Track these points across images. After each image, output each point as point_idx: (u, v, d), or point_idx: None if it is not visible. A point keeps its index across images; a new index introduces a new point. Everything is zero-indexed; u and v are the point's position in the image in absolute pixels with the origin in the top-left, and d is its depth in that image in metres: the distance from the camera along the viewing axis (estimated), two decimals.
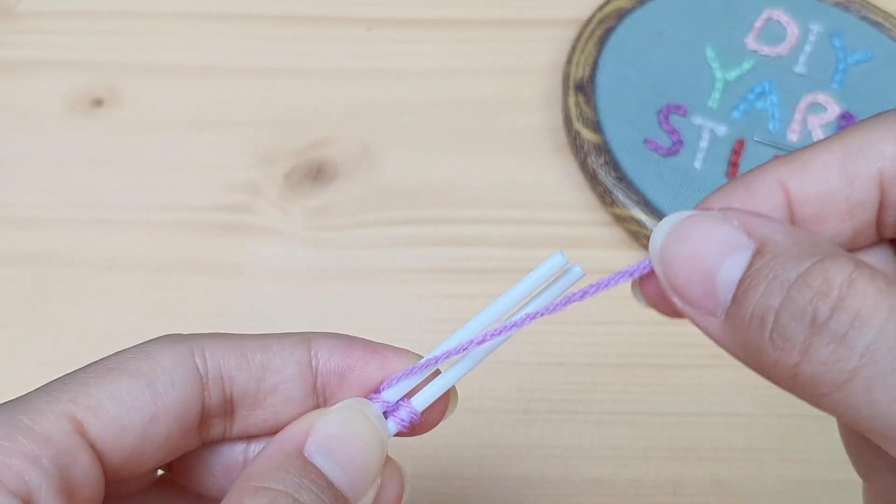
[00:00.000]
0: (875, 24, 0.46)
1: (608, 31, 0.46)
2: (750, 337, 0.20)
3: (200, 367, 0.24)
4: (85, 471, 0.22)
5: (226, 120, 0.46)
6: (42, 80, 0.47)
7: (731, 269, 0.20)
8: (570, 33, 0.47)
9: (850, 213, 0.22)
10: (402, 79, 0.47)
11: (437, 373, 0.25)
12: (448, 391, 0.25)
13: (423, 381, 0.25)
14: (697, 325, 0.21)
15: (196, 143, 0.45)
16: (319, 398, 0.25)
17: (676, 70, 0.45)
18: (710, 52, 0.46)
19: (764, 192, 0.22)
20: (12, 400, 0.23)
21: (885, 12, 0.46)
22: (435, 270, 0.42)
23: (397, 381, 0.25)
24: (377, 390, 0.25)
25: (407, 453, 0.38)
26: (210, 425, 0.25)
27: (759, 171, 0.22)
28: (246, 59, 0.47)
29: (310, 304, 0.41)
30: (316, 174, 0.45)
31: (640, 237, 0.42)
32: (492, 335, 0.24)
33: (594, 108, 0.44)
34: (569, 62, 0.46)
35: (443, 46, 0.48)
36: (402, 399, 0.25)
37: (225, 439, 0.25)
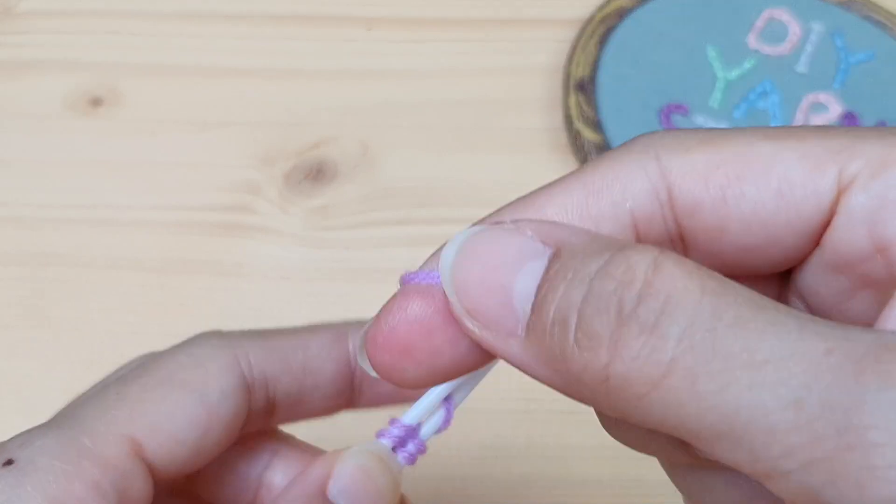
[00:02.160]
0: (877, 23, 0.46)
1: (609, 31, 0.46)
2: (553, 346, 0.17)
3: (247, 373, 0.24)
4: (140, 491, 0.22)
5: (226, 120, 0.46)
6: (42, 80, 0.47)
7: (527, 279, 0.17)
8: (571, 33, 0.47)
9: None
10: (402, 79, 0.47)
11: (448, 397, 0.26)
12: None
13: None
14: (499, 352, 0.18)
15: (196, 143, 0.45)
16: (356, 391, 0.26)
17: (677, 69, 0.45)
18: (711, 52, 0.46)
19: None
20: (67, 415, 0.23)
21: (887, 12, 0.46)
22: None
23: (418, 406, 0.25)
24: (396, 419, 0.25)
25: None
26: (251, 424, 0.25)
27: (492, 217, 0.20)
28: (246, 59, 0.47)
29: (310, 304, 0.41)
30: (316, 174, 0.44)
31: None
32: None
33: (595, 108, 0.44)
34: (569, 62, 0.45)
35: (443, 46, 0.48)
36: (415, 426, 0.25)
37: (257, 434, 0.26)
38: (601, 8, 0.47)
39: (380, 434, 0.25)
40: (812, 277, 0.19)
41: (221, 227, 0.43)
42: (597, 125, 0.44)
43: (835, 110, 0.44)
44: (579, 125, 0.44)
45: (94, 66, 0.47)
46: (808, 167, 0.18)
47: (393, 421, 0.25)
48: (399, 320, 0.20)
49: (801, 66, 0.45)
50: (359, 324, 0.26)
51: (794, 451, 0.14)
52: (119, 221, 0.43)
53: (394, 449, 0.25)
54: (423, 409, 0.25)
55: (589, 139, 0.43)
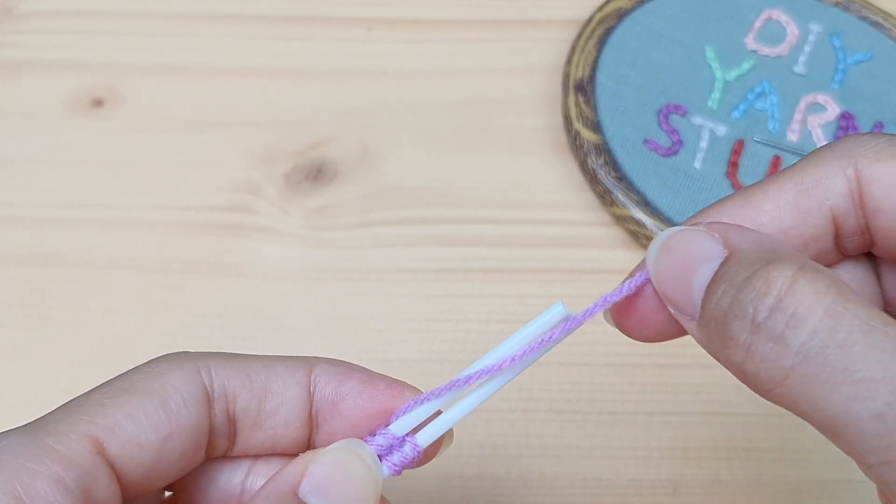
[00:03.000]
0: (875, 24, 0.46)
1: (608, 31, 0.46)
2: (710, 336, 0.21)
3: (207, 384, 0.24)
4: (105, 490, 0.22)
5: (226, 120, 0.46)
6: (42, 80, 0.47)
7: (703, 276, 0.22)
8: (570, 33, 0.47)
9: (805, 246, 0.23)
10: (402, 79, 0.47)
11: (438, 412, 0.25)
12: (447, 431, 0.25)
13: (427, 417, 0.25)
14: (687, 329, 0.23)
15: (196, 143, 0.45)
16: (313, 424, 0.26)
17: (676, 70, 0.45)
18: (709, 52, 0.46)
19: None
20: (34, 421, 0.23)
21: (884, 12, 0.46)
22: (435, 270, 0.42)
23: (405, 413, 0.25)
24: (386, 423, 0.25)
25: None
26: (214, 444, 0.25)
27: (716, 212, 0.24)
28: (246, 59, 0.47)
29: (310, 304, 0.41)
30: (316, 174, 0.45)
31: (639, 237, 0.42)
32: (492, 372, 0.25)
33: (594, 108, 0.44)
34: (569, 62, 0.46)
35: (443, 46, 0.48)
36: (407, 435, 0.25)
37: (226, 457, 0.26)
38: (600, 9, 0.47)
39: (367, 438, 0.25)
40: None
41: (221, 227, 0.43)
42: (596, 125, 0.44)
43: (833, 111, 0.44)
44: (578, 125, 0.44)
45: (94, 66, 0.47)
46: None
47: (378, 429, 0.25)
48: (635, 303, 0.24)
49: (800, 67, 0.45)
50: (326, 360, 0.26)
51: (876, 451, 0.19)
52: (119, 221, 0.43)
53: (380, 457, 0.25)
54: (414, 418, 0.25)
55: (588, 139, 0.43)
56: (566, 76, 0.45)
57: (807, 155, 0.24)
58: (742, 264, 0.21)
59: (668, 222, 0.41)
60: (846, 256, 0.24)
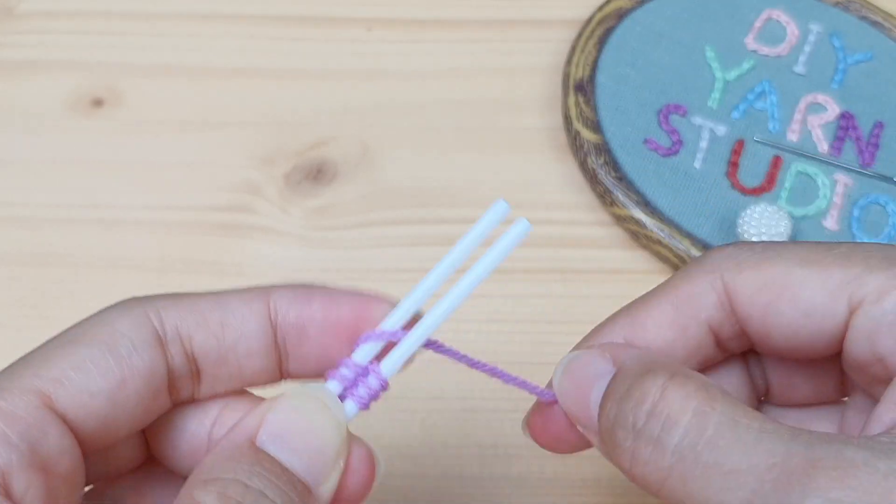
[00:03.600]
0: (875, 23, 0.46)
1: (608, 32, 0.46)
2: (605, 446, 0.24)
3: (158, 328, 0.24)
4: (57, 443, 0.22)
5: (226, 120, 0.46)
6: (42, 80, 0.47)
7: (597, 392, 0.24)
8: (570, 33, 0.47)
9: (689, 355, 0.26)
10: (402, 79, 0.47)
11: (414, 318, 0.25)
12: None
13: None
14: (592, 443, 0.25)
15: (196, 143, 0.45)
16: (281, 353, 0.25)
17: (676, 70, 0.45)
18: (709, 52, 0.46)
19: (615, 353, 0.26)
20: None
21: (884, 12, 0.46)
22: None
23: (365, 341, 0.24)
24: (349, 341, 0.24)
25: (407, 453, 0.38)
26: (178, 387, 0.25)
27: (609, 330, 0.26)
28: (246, 59, 0.47)
29: None
30: (316, 174, 0.45)
31: (639, 237, 0.42)
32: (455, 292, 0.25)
33: (594, 108, 0.44)
34: (569, 62, 0.46)
35: (443, 46, 0.48)
36: (370, 363, 0.24)
37: (195, 401, 0.25)
38: (600, 9, 0.47)
39: (329, 376, 0.24)
40: (846, 367, 0.25)
41: (221, 227, 0.43)
42: (596, 125, 0.44)
43: (833, 111, 0.44)
44: (578, 125, 0.44)
45: (94, 66, 0.47)
46: (828, 294, 0.24)
47: (342, 360, 0.24)
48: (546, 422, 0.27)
49: (800, 67, 0.45)
50: (281, 285, 0.26)
51: None
52: (119, 221, 0.43)
53: (343, 395, 0.24)
54: (375, 345, 0.24)
55: (588, 139, 0.43)
56: (566, 76, 0.45)
57: (679, 270, 0.27)
58: (624, 378, 0.23)
59: (669, 222, 0.41)
60: (731, 355, 0.27)
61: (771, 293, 0.24)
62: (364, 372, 0.24)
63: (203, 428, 0.25)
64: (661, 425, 0.22)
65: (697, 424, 0.21)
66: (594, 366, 0.25)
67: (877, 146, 0.43)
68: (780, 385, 0.28)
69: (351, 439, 0.24)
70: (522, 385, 0.27)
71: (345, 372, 0.24)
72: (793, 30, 0.46)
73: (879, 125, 0.44)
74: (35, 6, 0.49)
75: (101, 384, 0.23)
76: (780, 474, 0.20)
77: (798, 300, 0.24)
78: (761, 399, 0.28)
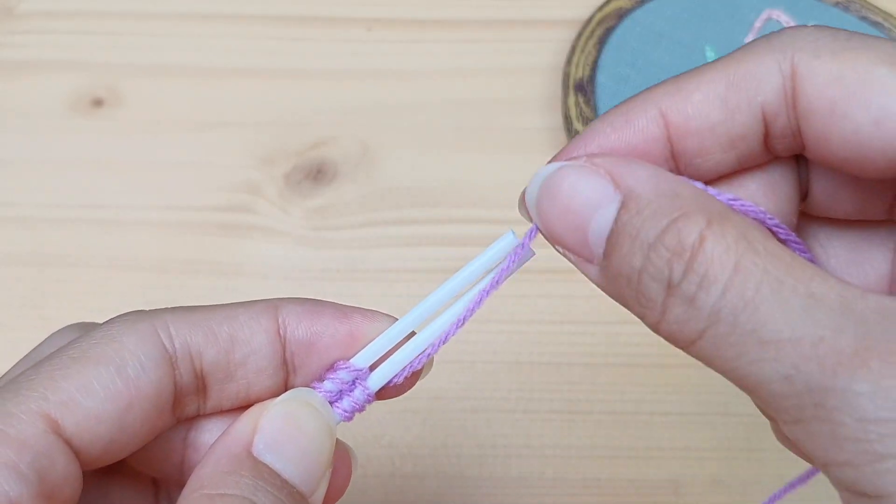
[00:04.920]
0: (875, 24, 0.46)
1: (608, 32, 0.46)
2: (620, 291, 0.21)
3: (167, 345, 0.23)
4: (63, 470, 0.21)
5: (226, 120, 0.46)
6: (42, 80, 0.47)
7: (599, 224, 0.21)
8: (570, 33, 0.47)
9: (732, 144, 0.22)
10: (402, 79, 0.47)
11: (411, 334, 0.25)
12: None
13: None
14: (579, 269, 0.22)
15: (196, 143, 0.45)
16: (289, 368, 0.25)
17: (676, 70, 0.45)
18: (709, 53, 0.46)
19: (643, 125, 0.22)
20: None
21: (884, 12, 0.46)
22: (435, 270, 0.42)
23: (366, 348, 0.24)
24: (346, 359, 0.24)
25: (407, 453, 0.38)
26: (184, 403, 0.24)
27: (641, 101, 0.22)
28: (246, 59, 0.47)
29: None
30: (316, 174, 0.45)
31: None
32: (455, 309, 0.25)
33: (594, 109, 0.44)
34: (569, 62, 0.46)
35: (443, 46, 0.48)
36: (357, 378, 0.24)
37: (199, 416, 0.25)
38: (600, 9, 0.47)
39: (314, 385, 0.24)
40: None
41: (221, 227, 0.43)
42: None
43: None
44: (578, 125, 0.44)
45: (94, 66, 0.47)
46: None
47: (338, 363, 0.24)
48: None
49: None
50: (288, 298, 0.25)
51: (788, 411, 0.19)
52: (119, 221, 0.43)
53: (339, 396, 0.24)
54: (374, 352, 0.24)
55: None
56: (566, 76, 0.45)
57: (745, 44, 0.22)
58: (646, 217, 0.20)
59: None
60: (775, 158, 0.23)
61: (843, 89, 0.20)
62: (353, 384, 0.24)
63: (178, 432, 0.25)
64: (698, 283, 0.19)
65: (738, 283, 0.19)
66: (588, 186, 0.21)
67: None
68: (822, 196, 0.24)
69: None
70: None
71: (334, 382, 0.24)
72: None
73: None
74: (35, 6, 0.49)
75: (108, 408, 0.22)
76: (828, 351, 0.18)
77: (871, 103, 0.20)
78: (807, 212, 0.24)
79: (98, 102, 0.46)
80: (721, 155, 0.22)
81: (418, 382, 0.26)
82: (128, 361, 0.22)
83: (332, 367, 0.24)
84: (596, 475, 0.38)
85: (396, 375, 0.24)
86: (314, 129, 0.46)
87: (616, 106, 0.23)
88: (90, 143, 0.45)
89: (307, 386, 0.24)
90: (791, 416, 0.19)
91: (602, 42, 0.46)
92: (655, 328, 0.20)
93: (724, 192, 0.21)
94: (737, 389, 0.42)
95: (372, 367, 0.24)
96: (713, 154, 0.22)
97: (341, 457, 0.24)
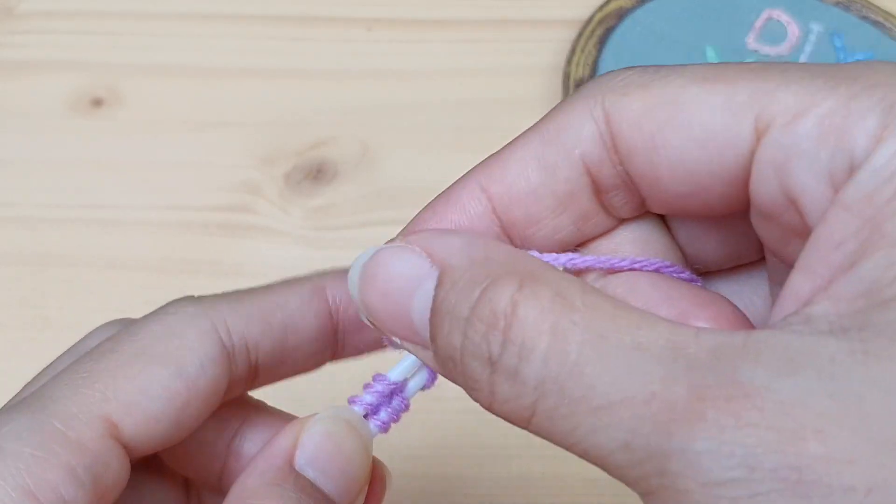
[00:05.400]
0: (876, 23, 0.46)
1: (608, 31, 0.46)
2: (451, 375, 0.19)
3: (226, 341, 0.23)
4: (115, 475, 0.21)
5: (226, 120, 0.46)
6: (42, 80, 0.47)
7: (420, 305, 0.19)
8: (570, 33, 0.47)
9: (562, 206, 0.20)
10: (402, 79, 0.47)
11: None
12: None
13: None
14: (421, 360, 0.20)
15: (196, 143, 0.45)
16: (339, 343, 0.25)
17: None
18: (710, 52, 0.46)
19: (464, 203, 0.21)
20: (38, 396, 0.21)
21: (885, 12, 0.46)
22: None
23: (401, 363, 0.24)
24: (381, 374, 0.24)
25: (407, 454, 0.38)
26: (233, 390, 0.24)
27: (463, 178, 0.21)
28: (246, 59, 0.47)
29: None
30: (316, 174, 0.45)
31: None
32: None
33: None
34: (569, 62, 0.45)
35: (443, 46, 0.48)
36: (395, 390, 0.24)
37: (227, 405, 0.25)
38: (600, 8, 0.47)
39: (353, 399, 0.24)
40: (755, 222, 0.19)
41: (221, 227, 0.43)
42: None
43: None
44: None
45: (94, 66, 0.47)
46: (729, 115, 0.18)
47: (377, 377, 0.24)
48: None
49: None
50: (335, 272, 0.25)
51: (637, 483, 0.17)
52: (119, 221, 0.43)
53: (365, 416, 0.24)
54: (408, 366, 0.24)
55: None
56: (566, 76, 0.45)
57: (555, 106, 0.21)
58: (460, 289, 0.18)
59: None
60: (625, 220, 0.21)
61: (658, 118, 0.19)
62: (389, 397, 0.24)
63: (223, 439, 0.25)
64: (517, 354, 0.17)
65: (557, 349, 0.17)
66: (405, 266, 0.19)
67: None
68: (690, 248, 0.22)
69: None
70: None
71: (378, 387, 0.24)
72: (793, 29, 0.46)
73: None
74: (35, 6, 0.49)
75: (166, 409, 0.22)
76: (661, 408, 0.16)
77: (690, 124, 0.18)
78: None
79: (98, 102, 0.46)
80: (553, 220, 0.21)
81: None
82: (188, 361, 0.22)
83: (370, 382, 0.24)
84: (596, 475, 0.38)
85: (427, 382, 0.25)
86: (314, 129, 0.45)
87: (440, 193, 0.21)
88: (90, 143, 0.45)
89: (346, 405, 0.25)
90: (641, 488, 0.17)
91: (602, 42, 0.46)
92: (490, 409, 0.18)
93: (562, 254, 0.20)
94: None
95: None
96: (544, 220, 0.21)
97: (376, 474, 0.24)
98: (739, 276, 0.22)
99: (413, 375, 0.24)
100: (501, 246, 0.19)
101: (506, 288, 0.17)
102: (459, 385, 0.19)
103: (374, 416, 0.24)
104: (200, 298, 0.24)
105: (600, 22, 0.46)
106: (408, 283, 0.19)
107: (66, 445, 0.20)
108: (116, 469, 0.21)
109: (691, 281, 0.21)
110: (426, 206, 0.21)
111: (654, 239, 0.21)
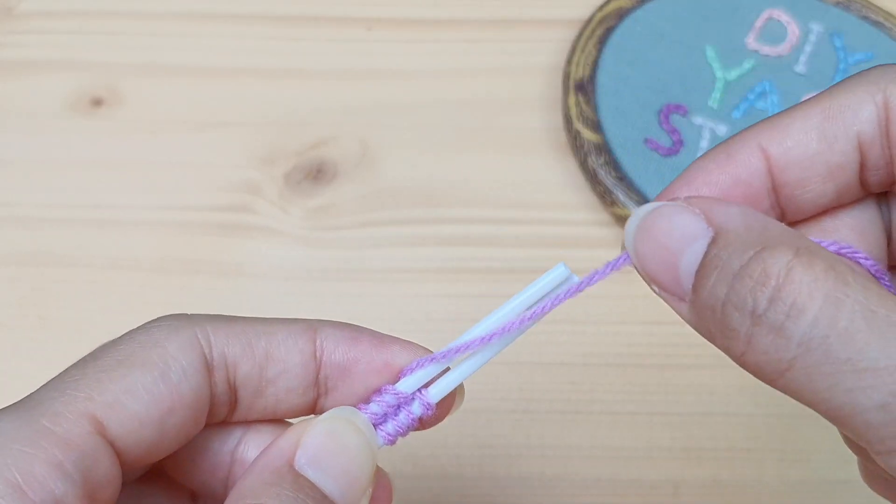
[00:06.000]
0: (875, 23, 0.46)
1: (608, 31, 0.46)
2: (706, 324, 0.21)
3: (206, 353, 0.23)
4: (106, 472, 0.21)
5: (226, 120, 0.46)
6: (42, 80, 0.47)
7: (690, 259, 0.21)
8: (570, 33, 0.47)
9: (831, 174, 0.23)
10: (402, 79, 0.47)
11: (447, 369, 0.25)
12: (456, 387, 0.25)
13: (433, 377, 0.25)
14: (673, 309, 0.22)
15: (196, 143, 0.45)
16: (321, 389, 0.25)
17: (677, 70, 0.45)
18: (710, 52, 0.46)
19: (744, 158, 0.23)
20: (25, 399, 0.22)
21: (885, 12, 0.46)
22: (435, 270, 0.42)
23: (412, 373, 0.24)
24: (394, 380, 0.24)
25: (407, 453, 0.38)
26: (214, 413, 0.24)
27: (741, 137, 0.23)
28: (246, 59, 0.47)
29: (310, 304, 0.41)
30: (316, 174, 0.45)
31: None
32: (499, 334, 0.24)
33: (594, 108, 0.44)
34: (569, 62, 0.45)
35: (442, 46, 0.48)
36: (417, 391, 0.24)
37: (224, 423, 0.25)
38: (600, 8, 0.47)
39: (359, 408, 0.24)
40: None
41: (221, 227, 0.43)
42: (596, 125, 0.44)
43: None
44: (579, 125, 0.44)
45: (94, 66, 0.47)
46: None
47: (385, 387, 0.24)
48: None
49: (800, 67, 0.45)
50: (329, 321, 0.26)
51: (884, 440, 0.18)
52: (119, 221, 0.43)
53: (384, 418, 0.24)
54: (418, 380, 0.24)
55: (588, 139, 0.43)
56: (566, 76, 0.45)
57: (836, 83, 0.23)
58: (734, 249, 0.20)
59: None
60: (867, 195, 0.24)
61: None
62: (407, 400, 0.24)
63: (227, 447, 0.25)
64: (786, 312, 0.19)
65: (829, 313, 0.19)
66: (683, 223, 0.21)
67: None
68: None
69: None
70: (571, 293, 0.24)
71: (382, 402, 0.24)
72: (793, 29, 0.46)
73: None
74: (35, 6, 0.49)
75: (151, 412, 0.22)
76: None
77: None
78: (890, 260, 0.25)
79: (98, 102, 0.46)
80: (820, 186, 0.23)
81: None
82: (171, 366, 0.23)
83: (378, 391, 0.24)
84: (596, 475, 0.38)
85: (424, 411, 0.25)
86: (314, 129, 0.45)
87: (717, 145, 0.23)
88: (90, 143, 0.45)
89: (352, 406, 0.25)
90: (887, 446, 0.19)
91: (602, 42, 0.46)
92: (741, 360, 0.20)
93: (819, 240, 0.22)
94: (737, 389, 0.42)
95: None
96: (812, 185, 0.23)
97: (382, 484, 0.24)
98: None
99: (425, 386, 0.24)
100: (776, 222, 0.21)
101: (783, 253, 0.20)
102: (710, 336, 0.21)
103: (381, 427, 0.24)
104: (190, 315, 0.24)
105: (600, 22, 0.46)
106: (683, 237, 0.21)
107: (54, 441, 0.21)
108: (107, 466, 0.21)
109: (879, 278, 0.23)
110: (705, 156, 0.23)
111: (872, 227, 0.24)
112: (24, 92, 0.46)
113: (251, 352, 0.24)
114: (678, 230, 0.21)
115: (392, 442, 0.24)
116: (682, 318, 0.22)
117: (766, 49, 0.46)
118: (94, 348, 0.40)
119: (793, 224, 0.24)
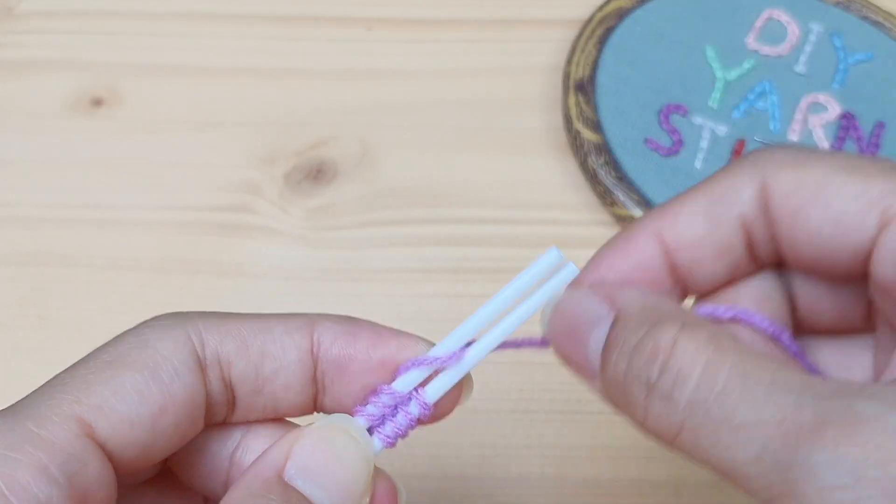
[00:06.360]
0: (876, 23, 0.46)
1: (608, 31, 0.46)
2: (613, 397, 0.23)
3: (199, 352, 0.23)
4: (96, 474, 0.21)
5: (226, 120, 0.46)
6: (42, 80, 0.47)
7: (596, 340, 0.23)
8: (570, 33, 0.47)
9: (720, 254, 0.24)
10: (402, 79, 0.47)
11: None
12: (463, 380, 0.25)
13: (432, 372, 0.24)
14: (588, 386, 0.24)
15: (196, 143, 0.45)
16: (319, 386, 0.25)
17: (677, 70, 0.45)
18: (710, 52, 0.46)
19: (641, 245, 0.25)
20: (14, 405, 0.22)
21: (885, 12, 0.46)
22: (435, 270, 0.42)
23: (407, 371, 0.24)
24: (392, 378, 0.24)
25: (407, 453, 0.38)
26: (213, 412, 0.24)
27: (640, 223, 0.25)
28: (246, 59, 0.47)
29: (310, 304, 0.41)
30: (316, 174, 0.45)
31: None
32: (497, 329, 0.24)
33: (594, 108, 0.44)
34: (569, 62, 0.45)
35: (443, 46, 0.48)
36: (414, 389, 0.24)
37: (224, 423, 0.25)
38: (600, 8, 0.47)
39: (356, 410, 0.24)
40: (874, 294, 0.24)
41: (221, 227, 0.43)
42: (596, 125, 0.44)
43: (834, 110, 0.44)
44: (579, 125, 0.44)
45: (94, 66, 0.47)
46: (862, 205, 0.22)
47: (381, 387, 0.24)
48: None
49: (800, 67, 0.45)
50: (327, 314, 0.25)
51: (761, 492, 0.20)
52: (119, 221, 0.43)
53: (370, 430, 0.24)
54: (415, 378, 0.24)
55: (588, 139, 0.43)
56: (566, 76, 0.45)
57: (722, 167, 0.25)
58: (631, 328, 0.22)
59: None
60: (761, 267, 0.25)
61: (804, 195, 0.23)
62: (403, 401, 0.24)
63: (226, 449, 0.25)
64: (673, 380, 0.21)
65: (707, 379, 0.21)
66: (589, 309, 0.24)
67: (878, 146, 0.43)
68: (806, 306, 0.26)
69: (375, 473, 0.23)
70: (513, 345, 0.26)
71: (399, 386, 0.24)
72: (793, 29, 0.46)
73: (881, 125, 0.44)
74: (35, 6, 0.49)
75: (142, 412, 0.22)
76: (790, 429, 0.20)
77: (829, 206, 0.23)
78: (796, 326, 0.27)
79: (98, 102, 0.46)
80: (712, 264, 0.25)
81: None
82: (161, 366, 0.22)
83: (374, 391, 0.24)
84: (596, 475, 0.38)
85: (441, 398, 0.24)
86: (314, 129, 0.46)
87: (617, 233, 0.26)
88: (90, 143, 0.45)
89: (348, 410, 0.24)
90: (764, 495, 0.20)
91: (602, 42, 0.46)
92: (643, 427, 0.22)
93: (718, 306, 0.24)
94: None
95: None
96: (706, 264, 0.25)
97: (387, 492, 0.24)
98: (843, 343, 0.26)
99: (421, 385, 0.24)
100: (668, 300, 0.24)
101: (670, 328, 0.22)
102: (618, 407, 0.23)
103: (379, 430, 0.24)
104: (182, 313, 0.24)
105: (600, 22, 0.46)
106: (588, 322, 0.23)
107: (39, 445, 0.20)
108: (97, 469, 0.21)
109: (777, 337, 0.25)
110: (606, 245, 0.25)
111: (772, 294, 0.26)
112: (25, 92, 0.47)
113: (245, 349, 0.24)
114: (586, 315, 0.24)
115: (392, 444, 0.24)
116: (597, 394, 0.24)
117: (766, 49, 0.46)
118: (94, 349, 0.40)
119: (700, 298, 0.26)
